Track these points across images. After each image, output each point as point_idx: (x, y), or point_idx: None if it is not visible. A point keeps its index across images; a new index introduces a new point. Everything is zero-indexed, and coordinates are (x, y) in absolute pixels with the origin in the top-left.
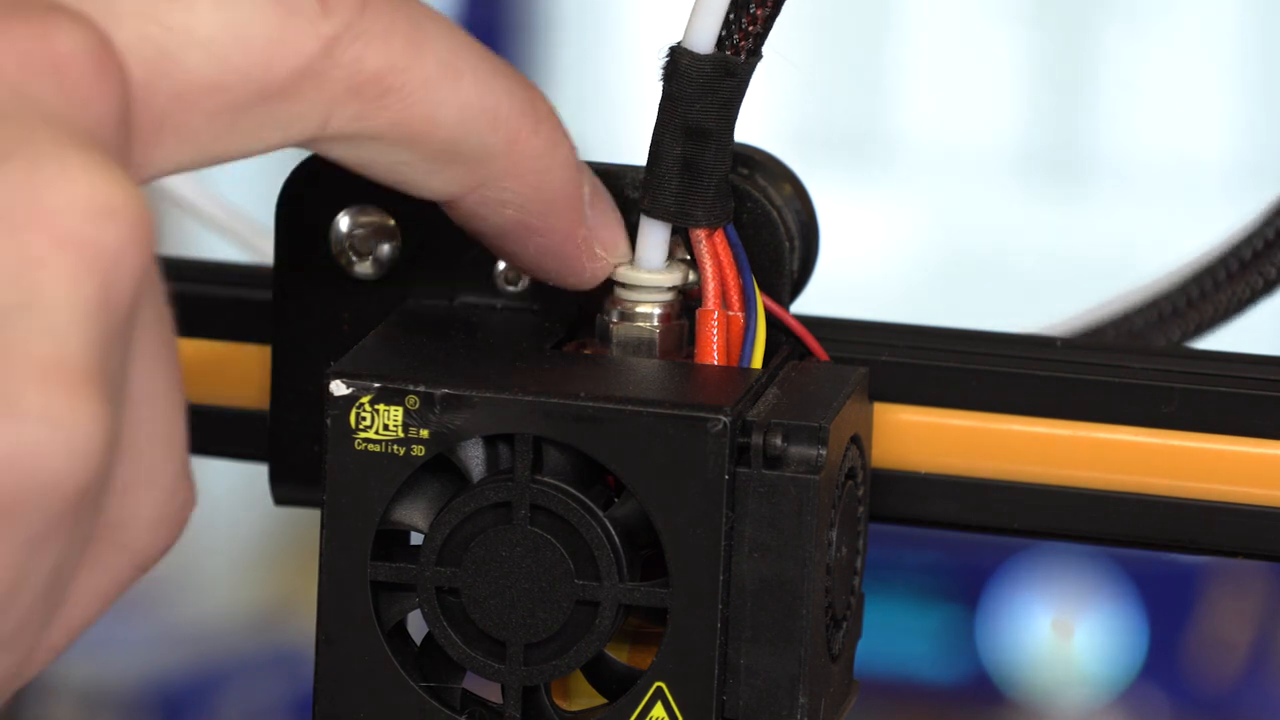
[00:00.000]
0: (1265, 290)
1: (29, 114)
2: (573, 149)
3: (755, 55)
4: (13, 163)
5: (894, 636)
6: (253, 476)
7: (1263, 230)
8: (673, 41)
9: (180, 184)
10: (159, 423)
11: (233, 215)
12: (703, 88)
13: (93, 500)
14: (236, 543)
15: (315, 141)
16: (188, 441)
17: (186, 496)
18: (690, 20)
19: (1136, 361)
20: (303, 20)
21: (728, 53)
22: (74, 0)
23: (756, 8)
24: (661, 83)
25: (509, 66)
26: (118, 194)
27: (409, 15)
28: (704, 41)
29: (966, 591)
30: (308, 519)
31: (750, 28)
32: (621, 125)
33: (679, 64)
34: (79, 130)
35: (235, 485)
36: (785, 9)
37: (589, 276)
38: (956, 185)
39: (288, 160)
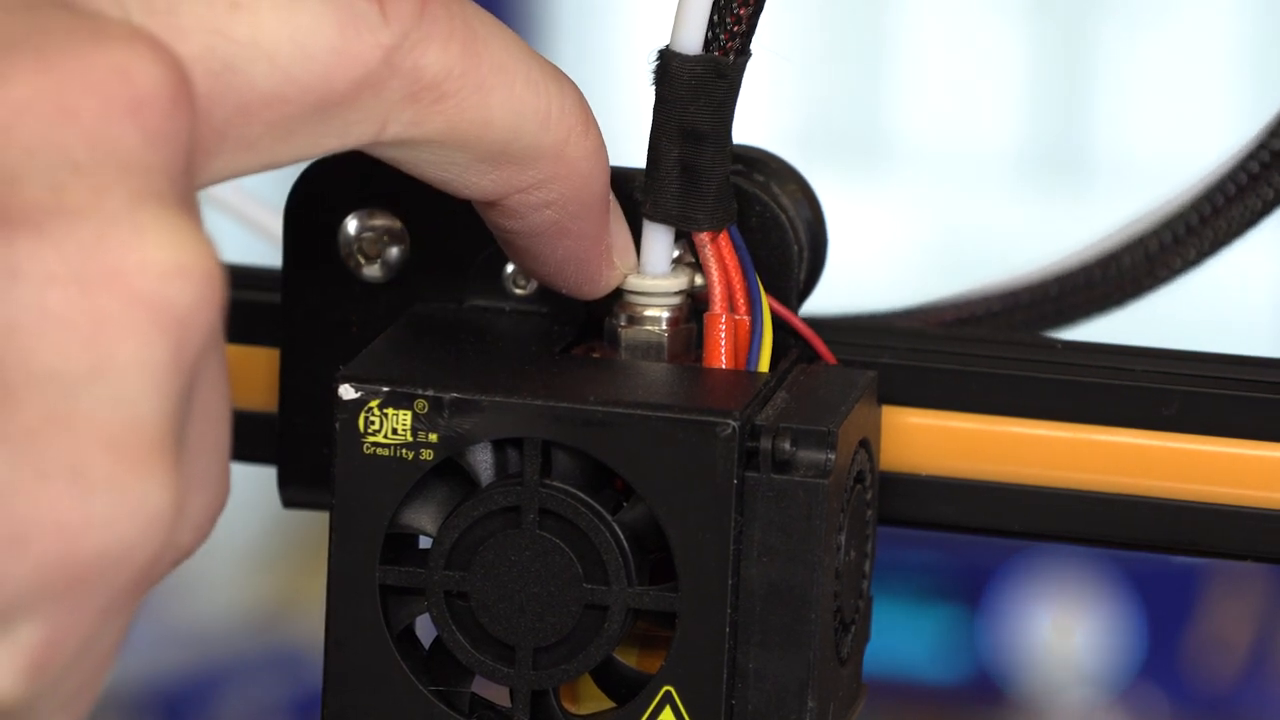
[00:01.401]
0: (1277, 201)
1: (104, 164)
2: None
3: (744, 55)
4: (86, 221)
5: (894, 637)
6: (253, 477)
7: (1269, 142)
8: (662, 45)
9: None
10: (211, 434)
11: (244, 198)
12: (694, 89)
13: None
14: (237, 543)
15: (369, 146)
16: (231, 446)
17: (226, 496)
18: (675, 23)
19: (1138, 364)
20: (364, 30)
21: (716, 54)
22: (140, 12)
23: (740, 7)
24: (654, 86)
25: (556, 68)
26: (190, 252)
27: (464, 18)
28: (691, 43)
29: (966, 591)
30: (308, 519)
31: (735, 27)
32: (620, 126)
33: (669, 67)
34: (152, 174)
35: (236, 485)
36: (784, 9)
37: (604, 285)
38: (956, 185)
39: None
